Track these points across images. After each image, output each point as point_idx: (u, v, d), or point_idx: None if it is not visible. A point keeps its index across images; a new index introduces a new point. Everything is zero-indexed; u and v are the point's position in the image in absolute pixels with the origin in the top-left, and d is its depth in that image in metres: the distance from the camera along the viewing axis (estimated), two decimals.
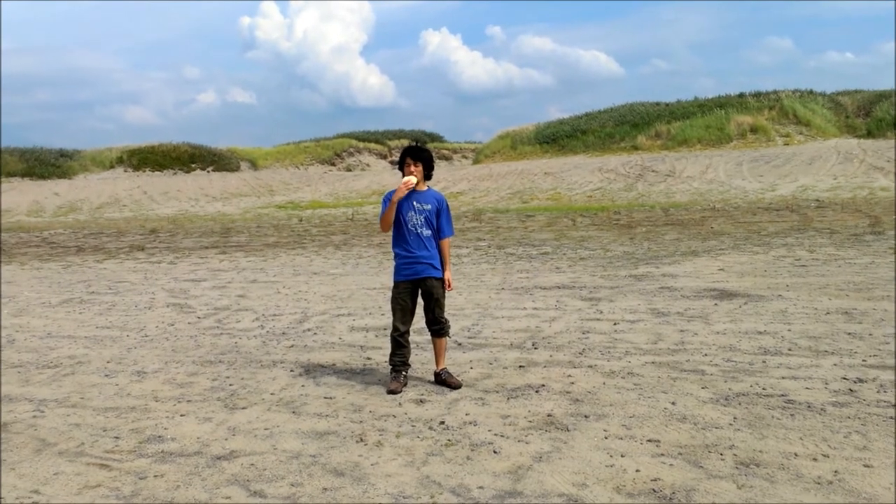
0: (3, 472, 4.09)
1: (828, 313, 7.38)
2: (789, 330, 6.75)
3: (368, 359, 6.37)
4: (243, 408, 5.10)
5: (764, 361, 5.75)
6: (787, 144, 35.67)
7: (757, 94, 42.89)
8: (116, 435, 4.64)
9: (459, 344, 6.68)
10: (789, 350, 6.06)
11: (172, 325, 8.15)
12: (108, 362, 6.55)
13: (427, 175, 5.47)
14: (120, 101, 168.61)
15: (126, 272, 13.38)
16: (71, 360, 6.67)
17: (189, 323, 8.22)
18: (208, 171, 49.33)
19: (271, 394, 5.41)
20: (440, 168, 49.28)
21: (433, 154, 5.61)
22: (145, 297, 10.27)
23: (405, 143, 59.20)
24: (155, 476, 3.96)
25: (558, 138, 44.51)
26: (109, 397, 5.47)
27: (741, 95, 43.32)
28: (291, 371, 6.03)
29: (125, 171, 48.68)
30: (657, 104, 45.45)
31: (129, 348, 7.08)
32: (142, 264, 14.58)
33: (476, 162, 47.95)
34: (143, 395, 5.48)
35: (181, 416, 4.98)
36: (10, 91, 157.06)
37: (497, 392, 5.24)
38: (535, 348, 6.45)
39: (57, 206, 34.51)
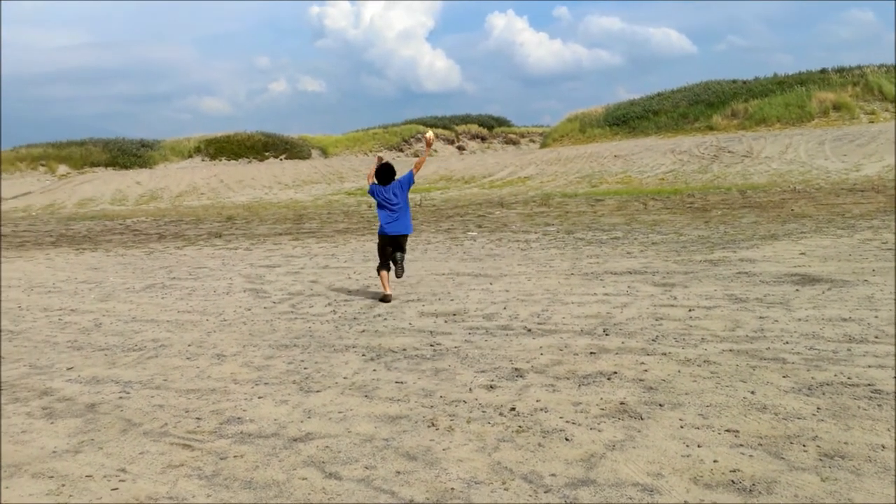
0: (91, 451, 4.30)
1: None
2: (876, 317, 6.45)
3: (438, 344, 6.40)
4: (318, 391, 5.22)
5: (849, 349, 5.51)
6: (873, 122, 33.95)
7: (840, 70, 40.81)
8: (198, 416, 4.81)
9: (529, 330, 6.65)
10: (876, 338, 5.79)
11: (249, 309, 8.39)
12: (189, 345, 6.79)
13: (386, 180, 8.51)
14: (195, 93, 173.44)
15: (205, 258, 13.83)
16: (154, 344, 6.95)
17: (265, 308, 8.44)
18: (281, 160, 50.41)
19: (344, 378, 5.52)
20: (506, 153, 49.07)
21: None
22: (223, 282, 10.60)
23: (472, 127, 59.46)
24: (235, 456, 4.10)
25: (628, 120, 43.51)
26: (191, 379, 5.68)
27: (823, 71, 41.29)
28: (363, 355, 6.13)
29: (202, 160, 50.19)
30: (734, 82, 43.75)
31: (209, 332, 7.33)
32: (219, 251, 15.05)
33: (544, 146, 47.43)
34: (223, 378, 5.67)
35: (259, 398, 5.13)
36: (90, 83, 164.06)
37: (568, 379, 5.19)
38: (607, 335, 6.36)
39: (139, 194, 35.91)
